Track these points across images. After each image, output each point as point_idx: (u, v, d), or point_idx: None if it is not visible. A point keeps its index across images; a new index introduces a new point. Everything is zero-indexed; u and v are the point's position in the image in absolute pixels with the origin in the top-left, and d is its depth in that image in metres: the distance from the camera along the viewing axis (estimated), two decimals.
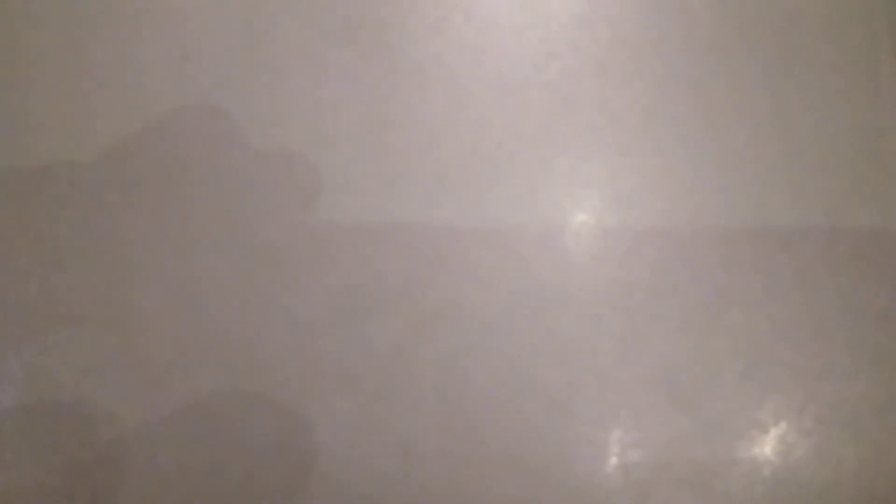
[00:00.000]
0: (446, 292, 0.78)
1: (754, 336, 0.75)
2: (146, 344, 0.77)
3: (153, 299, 0.78)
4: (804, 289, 0.76)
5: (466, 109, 0.83)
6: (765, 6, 0.84)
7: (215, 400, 0.75)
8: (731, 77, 0.83)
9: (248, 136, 0.83)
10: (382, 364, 0.76)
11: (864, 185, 0.80)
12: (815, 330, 0.75)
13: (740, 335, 0.75)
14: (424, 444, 0.74)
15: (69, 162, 0.81)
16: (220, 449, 0.75)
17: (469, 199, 0.81)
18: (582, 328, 0.77)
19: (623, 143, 0.82)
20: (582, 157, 0.82)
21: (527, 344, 0.76)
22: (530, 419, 0.74)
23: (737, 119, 0.82)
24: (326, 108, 0.83)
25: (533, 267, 0.79)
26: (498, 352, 0.76)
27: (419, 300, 0.77)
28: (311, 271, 0.79)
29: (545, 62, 0.84)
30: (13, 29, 0.84)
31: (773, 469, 0.72)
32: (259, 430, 0.75)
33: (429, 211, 0.80)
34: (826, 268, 0.77)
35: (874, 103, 0.82)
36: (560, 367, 0.75)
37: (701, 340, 0.75)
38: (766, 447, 0.72)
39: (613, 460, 0.73)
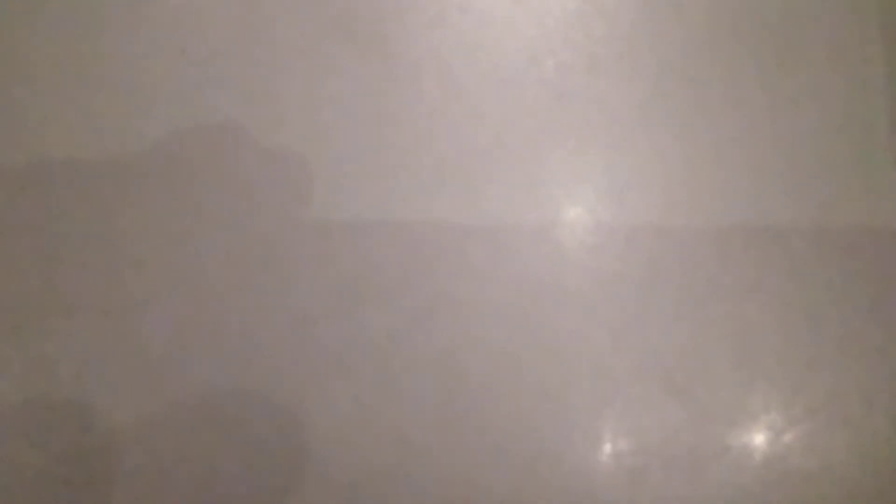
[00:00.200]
0: (442, 285, 0.78)
1: (746, 327, 0.76)
2: (144, 333, 0.77)
3: (151, 290, 0.78)
4: (795, 281, 0.77)
5: (462, 103, 0.83)
6: (757, 4, 0.85)
7: (212, 389, 0.76)
8: (723, 74, 0.83)
9: (245, 130, 0.83)
10: (379, 355, 0.76)
11: (855, 181, 0.80)
12: (806, 321, 0.76)
13: (732, 326, 0.76)
14: (420, 434, 0.74)
15: (66, 155, 0.82)
16: (215, 437, 0.75)
17: (464, 192, 0.81)
18: (576, 320, 0.77)
19: (617, 138, 0.82)
20: (576, 152, 0.82)
21: (521, 335, 0.77)
22: (524, 409, 0.75)
23: (730, 115, 0.82)
24: (323, 103, 0.83)
25: (527, 260, 0.79)
26: (493, 343, 0.77)
27: (415, 293, 0.78)
28: (308, 264, 0.79)
29: (541, 57, 0.84)
30: (12, 27, 0.84)
31: (763, 456, 0.72)
32: (255, 418, 0.76)
33: (424, 205, 0.81)
34: (817, 261, 0.78)
35: (865, 100, 0.82)
36: (554, 358, 0.76)
37: (693, 331, 0.76)
38: (757, 435, 0.73)
39: (606, 448, 0.74)
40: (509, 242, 0.80)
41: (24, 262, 0.78)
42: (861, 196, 0.80)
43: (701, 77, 0.84)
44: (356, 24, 0.84)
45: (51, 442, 0.76)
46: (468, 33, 0.85)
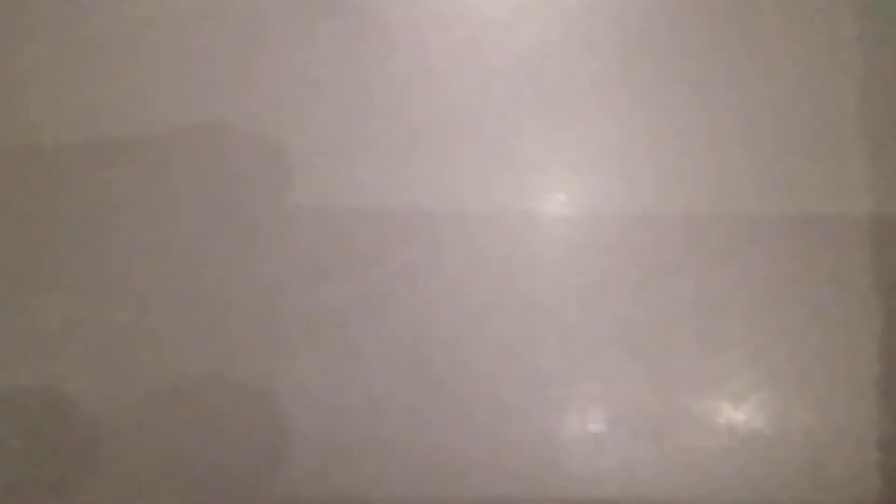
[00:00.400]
0: (412, 255, 0.79)
1: (711, 297, 0.77)
2: (111, 305, 0.77)
3: (118, 264, 0.78)
4: (760, 252, 0.78)
5: (434, 76, 0.84)
6: None
7: (181, 363, 0.76)
8: (694, 53, 0.84)
9: (213, 104, 0.83)
10: (348, 326, 0.77)
11: (820, 164, 0.81)
12: (771, 290, 0.77)
13: (697, 296, 0.77)
14: (390, 402, 0.75)
15: (31, 127, 0.81)
16: (185, 411, 0.75)
17: (436, 164, 0.81)
18: (545, 289, 0.78)
19: (589, 111, 0.83)
20: (548, 125, 0.83)
21: (491, 305, 0.77)
22: (493, 376, 0.76)
23: (699, 92, 0.83)
24: (295, 75, 0.83)
25: (497, 229, 0.80)
26: (461, 312, 0.77)
27: (385, 264, 0.78)
28: (277, 235, 0.79)
29: (515, 29, 0.85)
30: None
31: (727, 421, 0.74)
32: (225, 393, 0.76)
33: (395, 176, 0.81)
34: (782, 229, 0.79)
35: (836, 91, 0.83)
36: (522, 327, 0.77)
37: (659, 300, 0.77)
38: (720, 401, 0.74)
39: (572, 413, 0.75)
40: (480, 213, 0.80)
41: None
42: (825, 176, 0.81)
43: (673, 54, 0.84)
44: None
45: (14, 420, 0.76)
46: (442, 5, 0.85)
